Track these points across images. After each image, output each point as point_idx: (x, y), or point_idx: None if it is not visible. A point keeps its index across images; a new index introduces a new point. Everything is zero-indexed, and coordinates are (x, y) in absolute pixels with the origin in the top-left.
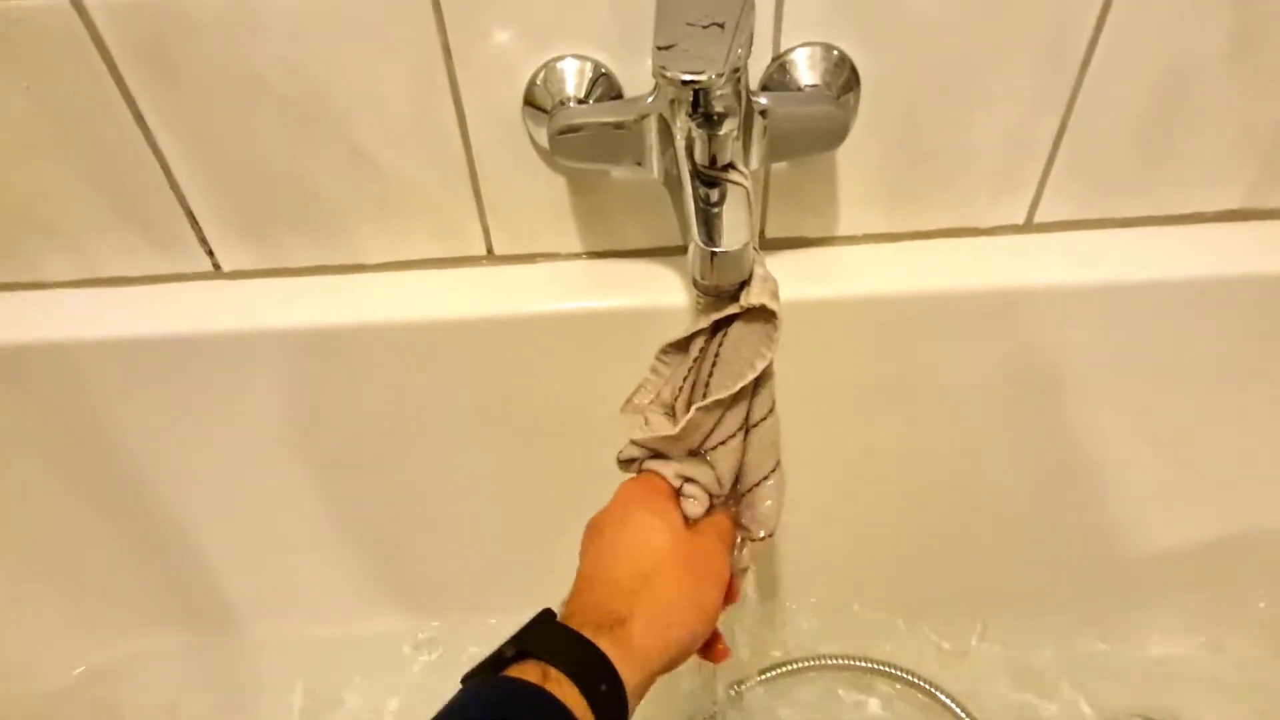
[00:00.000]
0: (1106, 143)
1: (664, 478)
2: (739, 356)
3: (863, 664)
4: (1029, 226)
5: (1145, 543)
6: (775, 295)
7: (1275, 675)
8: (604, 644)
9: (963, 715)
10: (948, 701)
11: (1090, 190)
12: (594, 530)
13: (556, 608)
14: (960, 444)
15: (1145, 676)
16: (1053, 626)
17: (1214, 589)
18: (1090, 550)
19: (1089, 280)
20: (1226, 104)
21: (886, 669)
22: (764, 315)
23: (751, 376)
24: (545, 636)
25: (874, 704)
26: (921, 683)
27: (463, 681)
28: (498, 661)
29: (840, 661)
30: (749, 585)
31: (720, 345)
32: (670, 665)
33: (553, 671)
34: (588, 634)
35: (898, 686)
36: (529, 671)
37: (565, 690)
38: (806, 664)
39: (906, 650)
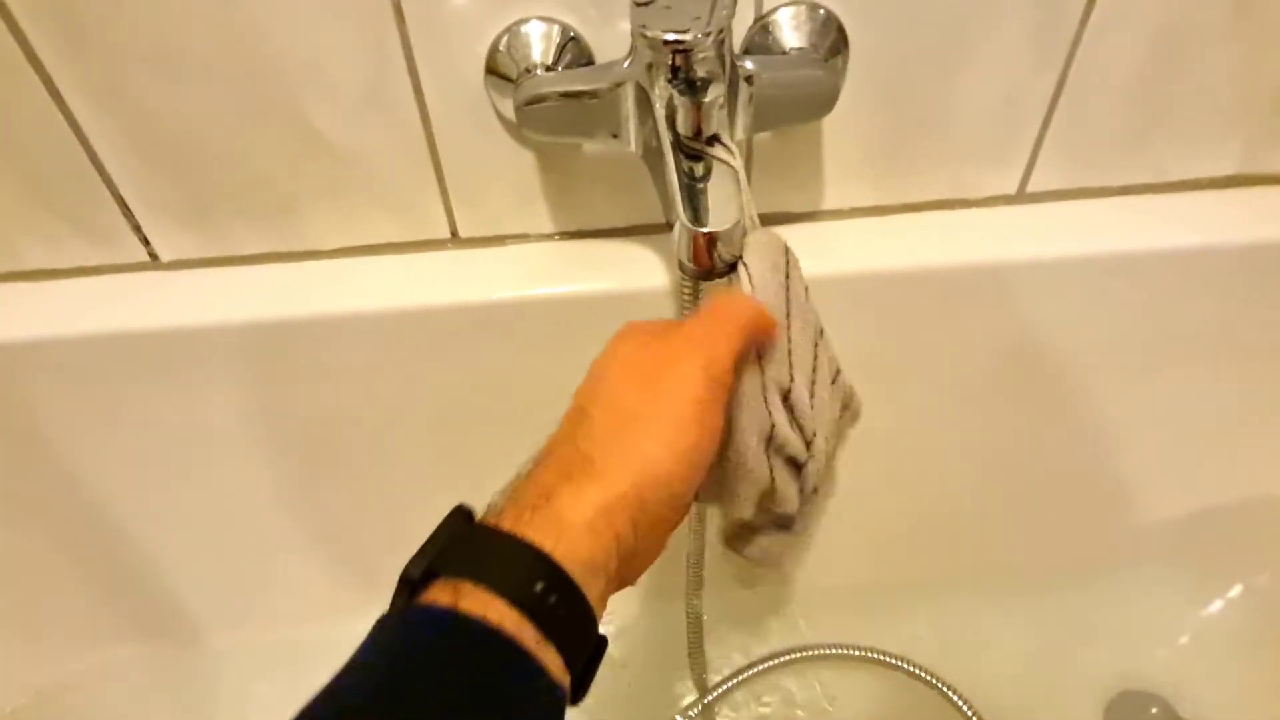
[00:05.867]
0: (1102, 106)
1: None
2: None
3: (854, 652)
4: (1021, 197)
5: (1141, 514)
6: (781, 250)
7: (1267, 647)
8: (534, 530)
9: (958, 701)
10: (943, 689)
11: (1084, 158)
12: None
13: None
14: (952, 419)
15: (1139, 649)
16: (1043, 600)
17: (1210, 560)
18: (1084, 523)
19: (1083, 251)
20: (1224, 66)
21: (875, 655)
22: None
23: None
24: (451, 543)
25: (866, 688)
26: (913, 668)
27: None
28: (410, 588)
29: (831, 651)
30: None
31: None
32: (652, 526)
33: (466, 586)
34: (507, 525)
35: (887, 671)
36: (438, 593)
37: (485, 602)
38: (796, 655)
39: (898, 631)
